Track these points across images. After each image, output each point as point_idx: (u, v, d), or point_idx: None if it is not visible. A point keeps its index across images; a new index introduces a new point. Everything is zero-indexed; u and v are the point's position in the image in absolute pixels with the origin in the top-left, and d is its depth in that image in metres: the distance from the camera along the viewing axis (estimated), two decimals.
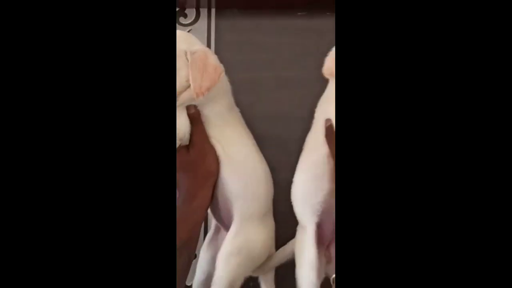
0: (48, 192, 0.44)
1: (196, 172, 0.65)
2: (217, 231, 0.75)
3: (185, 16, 0.88)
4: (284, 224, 0.72)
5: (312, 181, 0.64)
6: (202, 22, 0.87)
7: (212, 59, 0.64)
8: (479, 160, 0.44)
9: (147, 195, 0.45)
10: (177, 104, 0.63)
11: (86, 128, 0.44)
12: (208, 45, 0.86)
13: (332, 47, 0.66)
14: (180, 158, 0.65)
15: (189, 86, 0.62)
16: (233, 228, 0.67)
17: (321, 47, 0.68)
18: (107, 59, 0.45)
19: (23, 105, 0.44)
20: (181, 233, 0.61)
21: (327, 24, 0.84)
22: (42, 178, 0.44)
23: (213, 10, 0.87)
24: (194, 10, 0.87)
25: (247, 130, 0.73)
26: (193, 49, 0.63)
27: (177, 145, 0.65)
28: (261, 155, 0.72)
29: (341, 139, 0.46)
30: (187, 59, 0.62)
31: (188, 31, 0.85)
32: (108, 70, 0.45)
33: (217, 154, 0.66)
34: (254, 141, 0.72)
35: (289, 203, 0.69)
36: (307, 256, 0.63)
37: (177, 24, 0.87)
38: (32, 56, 0.44)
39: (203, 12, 0.87)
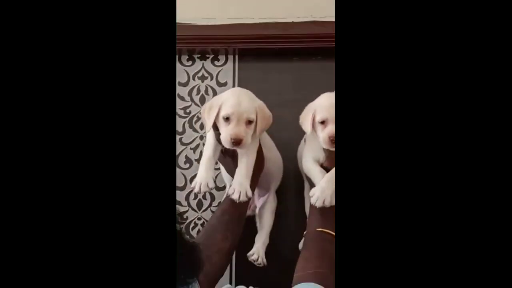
0: (56, 187, 0.47)
1: (255, 170, 0.95)
2: None
3: (218, 60, 1.23)
4: None
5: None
6: (229, 64, 1.22)
7: (266, 109, 0.92)
8: (474, 163, 0.44)
9: (148, 192, 0.50)
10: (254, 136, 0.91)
11: (88, 129, 0.50)
12: (234, 79, 1.20)
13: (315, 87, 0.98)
14: None
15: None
16: (271, 195, 1.04)
17: (309, 81, 1.06)
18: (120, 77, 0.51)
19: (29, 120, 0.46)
20: (241, 208, 0.93)
21: (314, 66, 1.17)
22: (56, 178, 0.46)
23: (236, 56, 1.22)
24: (224, 56, 1.23)
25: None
26: (257, 105, 0.89)
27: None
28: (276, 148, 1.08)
29: (341, 140, 0.51)
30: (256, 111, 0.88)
31: (220, 71, 1.22)
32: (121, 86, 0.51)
33: (264, 156, 1.00)
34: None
35: None
36: None
37: (212, 65, 1.22)
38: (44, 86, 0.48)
39: (230, 57, 1.23)
